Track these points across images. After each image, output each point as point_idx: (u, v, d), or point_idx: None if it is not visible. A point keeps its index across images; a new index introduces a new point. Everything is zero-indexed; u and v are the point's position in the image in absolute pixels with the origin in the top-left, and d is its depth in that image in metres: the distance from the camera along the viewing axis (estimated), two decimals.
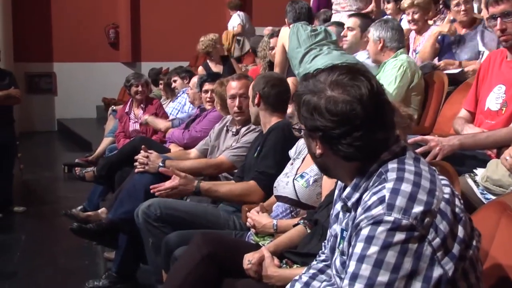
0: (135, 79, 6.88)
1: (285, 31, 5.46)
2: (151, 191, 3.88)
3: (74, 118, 13.86)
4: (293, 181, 3.20)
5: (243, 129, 4.44)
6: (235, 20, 11.24)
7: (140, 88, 6.81)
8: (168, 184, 3.84)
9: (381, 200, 1.71)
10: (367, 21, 5.37)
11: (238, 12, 11.39)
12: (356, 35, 5.42)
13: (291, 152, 3.46)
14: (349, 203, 1.87)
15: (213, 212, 3.90)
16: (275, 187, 3.38)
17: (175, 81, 7.77)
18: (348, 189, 1.88)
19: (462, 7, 5.44)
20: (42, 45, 14.33)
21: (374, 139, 1.80)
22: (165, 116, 6.92)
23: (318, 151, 1.88)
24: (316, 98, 1.82)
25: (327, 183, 2.93)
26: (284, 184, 3.27)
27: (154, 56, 14.36)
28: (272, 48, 6.15)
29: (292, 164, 3.37)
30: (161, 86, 8.52)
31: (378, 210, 1.70)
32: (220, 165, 4.37)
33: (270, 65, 6.19)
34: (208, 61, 8.03)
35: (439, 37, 5.52)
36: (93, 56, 14.48)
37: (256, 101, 3.86)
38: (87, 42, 14.43)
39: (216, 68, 7.86)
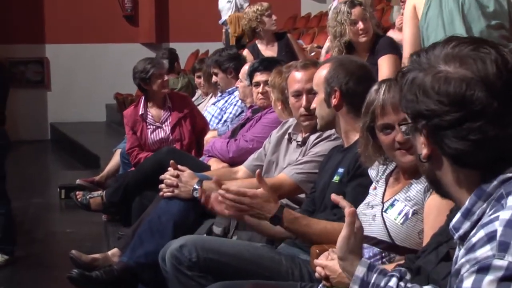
0: (156, 67, 6.81)
1: None
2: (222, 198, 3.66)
3: (74, 122, 14.04)
4: (382, 214, 3.18)
5: (312, 137, 4.44)
6: None
7: (165, 78, 6.82)
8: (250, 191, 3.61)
9: (491, 237, 1.69)
10: None
11: None
12: None
13: (372, 172, 3.42)
14: (456, 236, 1.86)
15: (272, 257, 3.88)
16: None
17: None
18: (457, 216, 1.87)
19: None
20: (30, 21, 14.56)
21: (501, 135, 1.78)
22: (200, 116, 6.95)
23: (424, 151, 1.88)
24: (423, 74, 1.83)
25: (431, 216, 2.90)
26: (370, 219, 3.22)
27: (186, 34, 14.45)
28: (354, 22, 6.03)
29: (375, 188, 3.35)
30: (198, 79, 8.49)
31: (485, 251, 1.68)
32: (280, 186, 4.36)
33: (349, 47, 6.05)
34: (257, 41, 8.00)
35: None
36: (102, 36, 14.67)
37: (335, 101, 3.79)
38: (93, 16, 14.62)
39: (267, 50, 7.81)
